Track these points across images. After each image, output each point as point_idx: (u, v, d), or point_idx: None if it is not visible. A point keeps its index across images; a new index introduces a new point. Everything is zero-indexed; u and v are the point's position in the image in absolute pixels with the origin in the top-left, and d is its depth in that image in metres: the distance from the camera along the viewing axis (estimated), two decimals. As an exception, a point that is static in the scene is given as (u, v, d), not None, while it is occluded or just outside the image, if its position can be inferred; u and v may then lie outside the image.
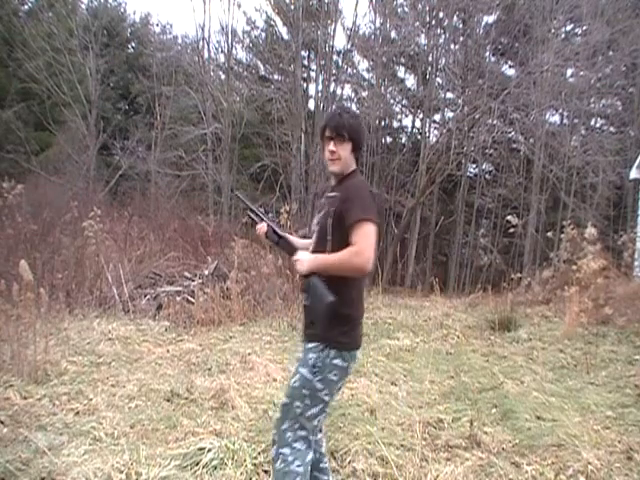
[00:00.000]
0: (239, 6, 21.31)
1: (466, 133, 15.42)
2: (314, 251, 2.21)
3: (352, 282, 2.14)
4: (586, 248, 7.14)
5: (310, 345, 2.12)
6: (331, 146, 2.19)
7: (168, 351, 5.30)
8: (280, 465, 2.07)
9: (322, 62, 16.59)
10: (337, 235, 2.10)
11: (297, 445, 2.09)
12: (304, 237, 2.56)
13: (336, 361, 2.09)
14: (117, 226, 9.05)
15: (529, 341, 6.35)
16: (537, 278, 9.29)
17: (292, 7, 15.84)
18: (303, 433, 2.10)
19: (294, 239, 2.43)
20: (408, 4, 18.12)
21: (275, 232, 2.39)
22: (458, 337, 6.72)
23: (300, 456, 2.08)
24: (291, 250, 2.33)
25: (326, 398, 2.11)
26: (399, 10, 18.40)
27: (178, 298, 6.97)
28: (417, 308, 9.22)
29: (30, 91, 16.96)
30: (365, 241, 2.02)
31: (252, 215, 2.47)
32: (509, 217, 8.81)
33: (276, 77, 18.55)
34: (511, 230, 9.65)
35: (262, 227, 2.39)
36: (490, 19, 17.76)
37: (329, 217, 2.14)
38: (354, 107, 18.28)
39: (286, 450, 2.08)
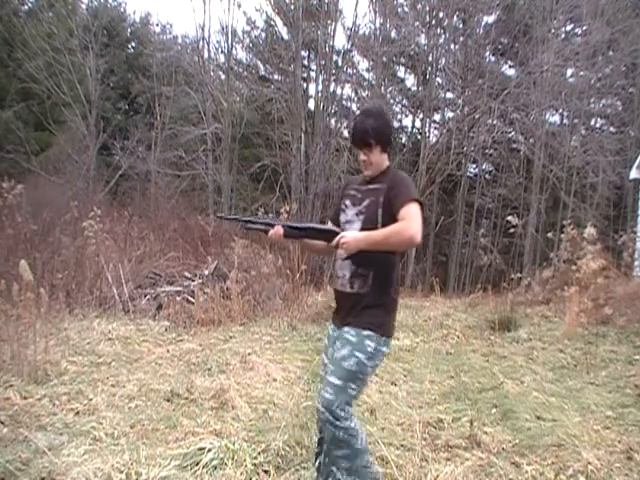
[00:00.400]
0: (239, 6, 21.30)
1: (466, 133, 15.44)
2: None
3: (397, 269, 2.34)
4: (586, 248, 7.12)
5: (366, 332, 2.25)
6: (362, 156, 2.33)
7: (168, 351, 5.29)
8: (345, 436, 2.20)
9: (322, 62, 16.58)
10: (387, 223, 2.22)
11: (349, 410, 2.24)
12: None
13: (384, 349, 2.31)
14: (117, 226, 9.01)
15: (529, 341, 6.34)
16: (537, 278, 9.27)
17: (292, 7, 15.83)
18: (349, 408, 2.25)
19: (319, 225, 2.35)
20: (408, 4, 18.14)
21: (294, 227, 2.24)
22: (458, 337, 6.71)
23: (351, 416, 2.24)
24: (325, 235, 2.21)
25: (367, 380, 2.34)
26: (399, 10, 18.41)
27: (178, 298, 6.96)
28: (417, 308, 9.21)
29: (30, 91, 16.94)
30: (413, 215, 2.16)
31: (254, 227, 2.30)
32: (509, 217, 8.78)
33: (276, 77, 18.56)
34: (511, 230, 9.62)
35: (276, 231, 2.28)
36: (490, 19, 17.83)
37: (379, 207, 2.27)
38: (354, 107, 18.32)
39: (341, 422, 2.20)
